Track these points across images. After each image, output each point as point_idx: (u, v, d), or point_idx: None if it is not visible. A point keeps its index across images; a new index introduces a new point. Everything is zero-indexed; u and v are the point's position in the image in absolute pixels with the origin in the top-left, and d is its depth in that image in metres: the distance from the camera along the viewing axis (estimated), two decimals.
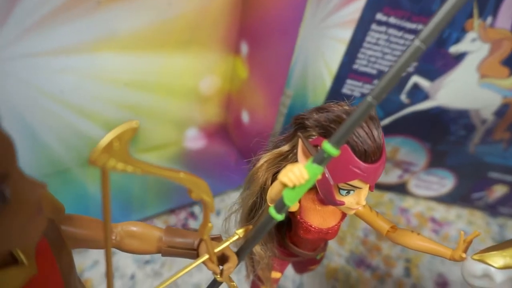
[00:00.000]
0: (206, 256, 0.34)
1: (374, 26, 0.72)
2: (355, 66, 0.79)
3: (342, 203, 0.40)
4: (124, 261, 0.80)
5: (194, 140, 1.04)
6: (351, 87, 0.82)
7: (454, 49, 0.74)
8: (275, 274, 0.54)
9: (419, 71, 0.78)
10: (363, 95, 0.83)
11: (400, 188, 1.04)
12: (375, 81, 0.81)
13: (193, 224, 0.89)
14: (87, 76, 0.77)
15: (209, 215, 0.31)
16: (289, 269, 0.85)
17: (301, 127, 0.39)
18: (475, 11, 0.68)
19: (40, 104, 0.76)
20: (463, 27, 0.71)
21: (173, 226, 0.37)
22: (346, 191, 0.39)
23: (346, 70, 0.80)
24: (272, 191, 0.38)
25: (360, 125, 0.36)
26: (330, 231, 0.46)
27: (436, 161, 0.96)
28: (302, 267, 0.61)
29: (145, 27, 0.76)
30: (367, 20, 0.71)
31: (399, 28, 0.72)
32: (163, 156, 1.00)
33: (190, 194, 0.29)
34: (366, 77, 0.80)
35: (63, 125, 0.82)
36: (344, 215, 0.47)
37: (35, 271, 0.26)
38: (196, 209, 0.91)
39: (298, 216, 0.46)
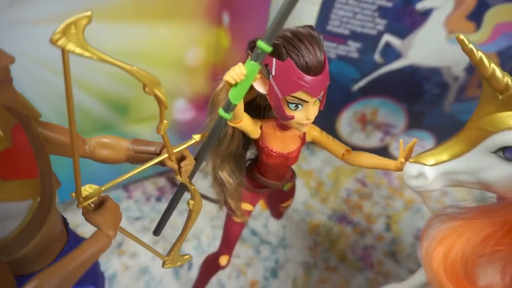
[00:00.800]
0: (165, 155, 0.39)
1: None
2: (329, 28, 0.83)
3: (292, 117, 0.44)
4: None
5: (182, 111, 1.09)
6: (327, 48, 0.86)
7: (420, 5, 0.78)
8: (247, 206, 0.58)
9: (390, 30, 0.82)
10: (339, 56, 0.87)
11: (383, 152, 1.08)
12: (349, 42, 0.85)
13: None
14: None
15: (164, 112, 0.36)
16: (272, 223, 0.90)
17: (253, 50, 0.44)
18: None
19: (33, 72, 0.81)
20: None
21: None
22: (294, 104, 0.43)
23: (320, 31, 0.83)
24: None
25: (302, 42, 0.41)
26: (290, 156, 0.51)
27: (414, 122, 1.00)
28: (275, 205, 0.66)
29: None
30: None
31: None
32: (153, 127, 1.05)
33: (144, 89, 0.34)
34: (339, 38, 0.84)
35: (56, 93, 0.87)
36: (303, 141, 0.52)
37: (10, 144, 0.31)
38: None
39: (261, 142, 0.50)
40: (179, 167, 0.39)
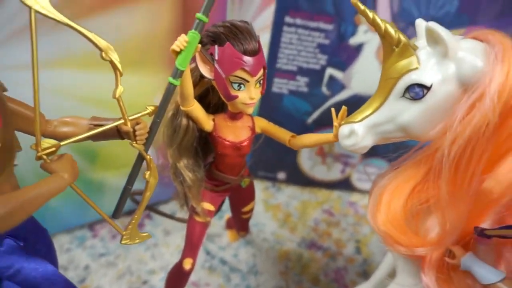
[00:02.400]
0: (121, 121, 0.43)
1: (285, 28, 0.89)
2: (278, 65, 0.94)
3: (236, 97, 0.50)
4: (78, 255, 0.83)
5: (154, 158, 1.13)
6: (279, 85, 0.97)
7: (352, 41, 0.91)
8: (208, 206, 0.60)
9: (331, 64, 0.94)
10: (291, 92, 0.98)
11: (346, 185, 1.13)
12: (298, 77, 0.96)
13: (149, 223, 0.94)
14: (47, 91, 0.88)
15: (119, 77, 0.41)
16: (242, 253, 0.89)
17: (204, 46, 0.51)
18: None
19: None
20: (354, 22, 0.89)
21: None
22: (237, 84, 0.49)
23: (271, 70, 0.95)
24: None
25: (239, 30, 0.49)
26: (242, 144, 0.56)
27: (370, 151, 1.07)
28: (238, 211, 0.68)
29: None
30: (279, 23, 0.89)
31: (305, 27, 0.89)
32: (124, 175, 1.07)
33: (101, 55, 0.40)
34: (289, 74, 0.95)
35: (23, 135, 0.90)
36: (253, 131, 0.57)
37: None
38: (152, 214, 0.97)
39: (214, 133, 0.55)
40: (134, 132, 0.43)
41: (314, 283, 0.85)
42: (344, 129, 0.48)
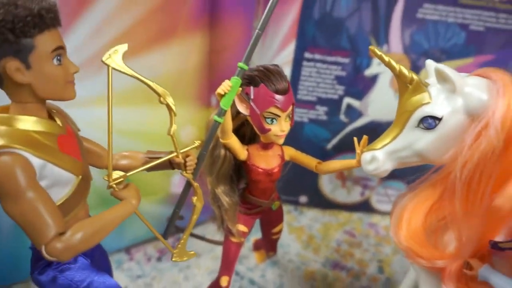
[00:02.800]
0: (174, 154, 0.50)
1: (305, 63, 0.98)
2: (299, 96, 1.02)
3: (269, 130, 0.57)
4: (117, 277, 0.89)
5: (179, 186, 1.20)
6: (300, 114, 1.04)
7: (367, 72, 0.98)
8: (242, 227, 0.66)
9: (348, 93, 1.01)
10: (311, 120, 1.05)
11: (366, 207, 1.17)
12: (317, 107, 1.03)
13: None
14: (89, 125, 0.97)
15: (173, 117, 0.49)
16: (269, 273, 0.94)
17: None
18: (373, 41, 0.95)
19: None
20: (369, 55, 0.96)
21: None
22: (270, 119, 0.57)
23: None
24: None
25: (271, 73, 0.56)
26: (273, 171, 0.62)
27: (388, 174, 1.13)
28: (268, 232, 0.74)
29: (134, 85, 1.00)
30: (299, 59, 0.97)
31: (323, 61, 0.97)
32: (152, 201, 1.14)
33: (159, 99, 0.48)
34: (309, 104, 1.03)
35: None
36: (282, 159, 0.64)
37: (65, 132, 0.43)
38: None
39: (248, 162, 0.62)
40: (185, 163, 0.50)
41: None
42: (366, 156, 0.54)
